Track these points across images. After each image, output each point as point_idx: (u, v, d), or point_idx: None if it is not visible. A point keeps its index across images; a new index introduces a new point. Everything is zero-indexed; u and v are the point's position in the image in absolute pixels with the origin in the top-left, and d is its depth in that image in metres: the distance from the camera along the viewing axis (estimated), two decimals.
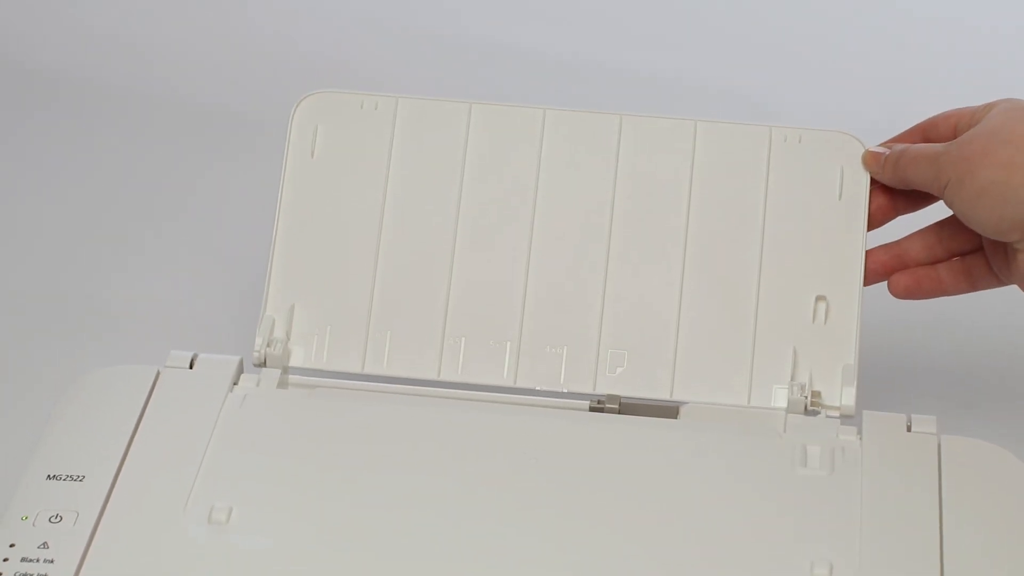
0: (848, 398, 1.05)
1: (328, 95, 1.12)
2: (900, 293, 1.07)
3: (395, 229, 1.10)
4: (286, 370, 1.08)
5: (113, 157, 1.46)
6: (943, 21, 1.58)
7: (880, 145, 1.07)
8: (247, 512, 0.96)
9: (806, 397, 1.05)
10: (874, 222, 1.08)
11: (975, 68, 1.55)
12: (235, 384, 1.06)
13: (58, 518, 0.95)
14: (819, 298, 1.07)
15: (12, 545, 0.93)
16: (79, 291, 1.32)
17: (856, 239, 1.07)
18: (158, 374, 1.05)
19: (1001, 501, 0.97)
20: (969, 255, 1.07)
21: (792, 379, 1.06)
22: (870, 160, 1.07)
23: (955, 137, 1.03)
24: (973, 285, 1.07)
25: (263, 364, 1.08)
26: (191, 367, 1.06)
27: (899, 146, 1.06)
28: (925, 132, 1.07)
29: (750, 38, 1.58)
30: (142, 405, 1.02)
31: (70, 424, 1.01)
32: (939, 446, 1.01)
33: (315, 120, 1.11)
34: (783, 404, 1.05)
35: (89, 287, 1.32)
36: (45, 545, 0.93)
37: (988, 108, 1.03)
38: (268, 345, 1.08)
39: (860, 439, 1.02)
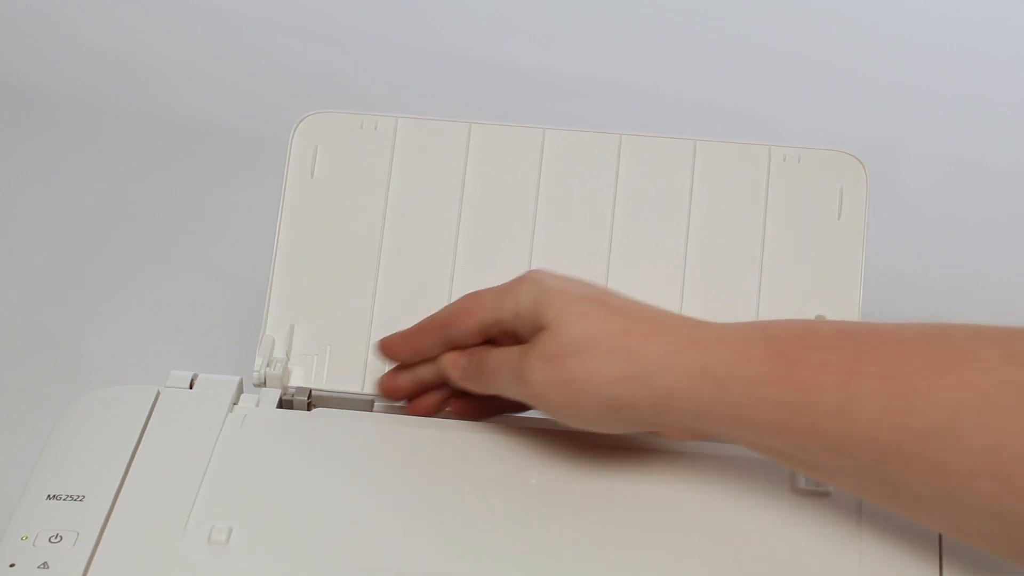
0: None
1: (328, 115, 1.12)
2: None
3: (395, 249, 1.10)
4: (286, 390, 1.08)
5: (112, 177, 1.46)
6: (942, 44, 1.59)
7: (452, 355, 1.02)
8: (247, 533, 0.96)
9: None
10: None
11: (972, 90, 1.55)
12: (235, 404, 1.06)
13: (58, 538, 0.95)
14: (818, 317, 1.07)
15: (12, 565, 0.93)
16: (79, 311, 1.32)
17: (855, 258, 1.07)
18: (158, 394, 1.05)
19: None
20: None
21: None
22: (451, 370, 1.01)
23: (481, 337, 0.99)
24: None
25: (263, 384, 1.08)
26: (191, 387, 1.06)
27: (477, 352, 1.00)
28: (444, 328, 1.02)
29: (750, 58, 1.58)
30: (142, 425, 1.02)
31: (70, 444, 1.01)
32: None
33: (315, 140, 1.12)
34: None
35: (89, 307, 1.32)
36: (45, 565, 0.93)
37: (533, 304, 0.96)
38: (268, 365, 1.08)
39: None
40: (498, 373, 0.97)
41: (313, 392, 1.08)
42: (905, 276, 1.36)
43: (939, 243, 1.40)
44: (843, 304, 1.07)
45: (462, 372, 1.01)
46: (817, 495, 0.99)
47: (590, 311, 0.93)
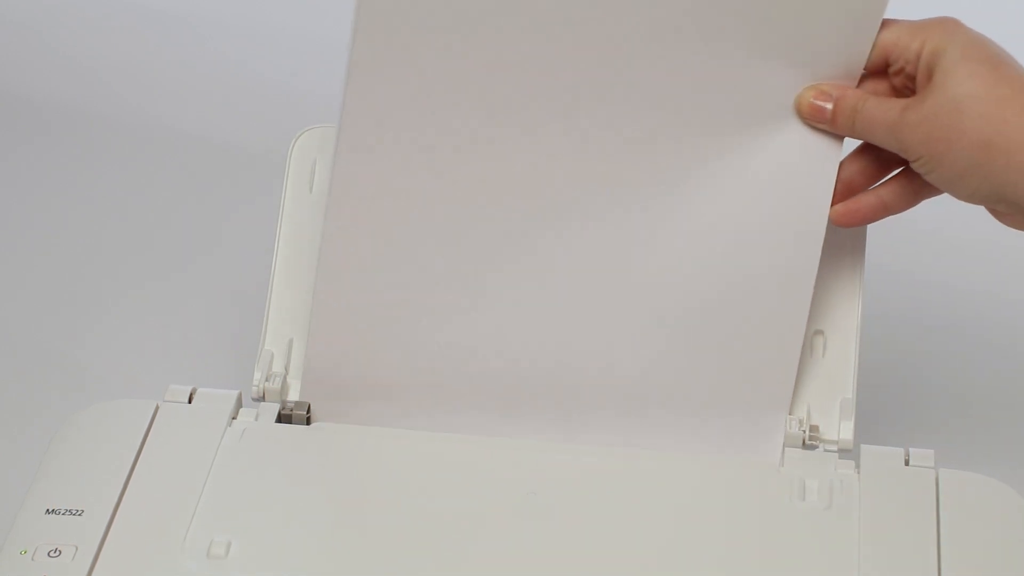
0: (846, 432, 1.05)
1: (326, 129, 1.12)
2: (838, 220, 1.01)
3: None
4: (285, 404, 1.08)
5: (111, 192, 1.46)
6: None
7: (816, 90, 0.99)
8: (246, 546, 0.96)
9: (804, 431, 1.04)
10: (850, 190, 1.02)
11: None
12: (234, 418, 1.06)
13: (57, 552, 0.95)
14: (817, 332, 1.07)
15: None
16: (78, 325, 1.32)
17: (854, 275, 1.07)
18: (157, 408, 1.05)
19: (999, 536, 0.97)
20: (907, 168, 1.00)
21: (790, 413, 1.05)
22: (810, 113, 0.99)
23: (889, 75, 0.98)
24: (916, 196, 1.01)
25: (262, 398, 1.08)
26: (190, 401, 1.06)
27: (848, 99, 0.98)
28: None
29: None
30: (141, 439, 1.02)
31: (69, 458, 1.01)
32: (937, 480, 1.01)
33: (313, 154, 1.11)
34: (781, 438, 1.05)
35: (88, 321, 1.32)
36: None
37: (933, 53, 0.95)
38: (267, 379, 1.08)
39: (858, 473, 1.02)
40: (872, 124, 0.97)
41: (312, 406, 1.08)
42: (905, 275, 1.35)
43: (940, 243, 1.40)
44: (842, 318, 1.07)
45: (830, 117, 0.99)
46: (817, 511, 0.99)
47: (979, 72, 0.93)
